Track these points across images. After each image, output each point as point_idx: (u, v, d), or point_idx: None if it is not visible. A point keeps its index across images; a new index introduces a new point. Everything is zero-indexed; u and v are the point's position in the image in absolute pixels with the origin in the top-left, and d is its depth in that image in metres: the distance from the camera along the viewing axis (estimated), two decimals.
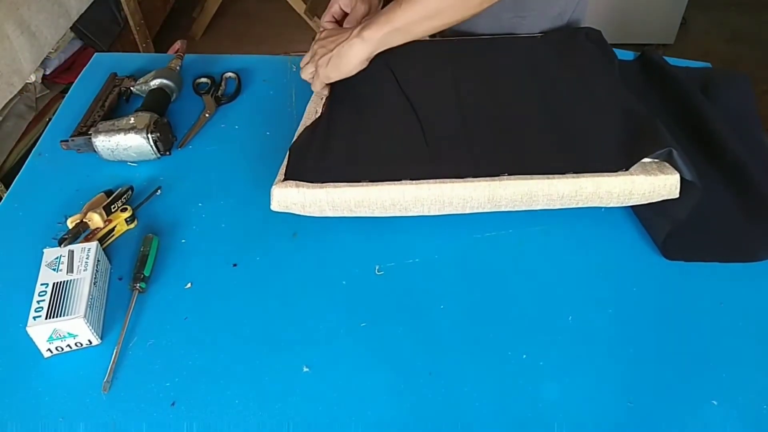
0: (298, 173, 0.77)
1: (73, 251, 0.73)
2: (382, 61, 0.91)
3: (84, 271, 0.71)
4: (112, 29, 2.14)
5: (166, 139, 0.90)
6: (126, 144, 0.87)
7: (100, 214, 0.78)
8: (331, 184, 0.75)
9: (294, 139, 0.82)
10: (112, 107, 0.98)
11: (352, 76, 0.87)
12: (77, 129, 0.92)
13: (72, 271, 0.71)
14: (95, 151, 0.88)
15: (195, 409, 0.64)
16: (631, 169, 0.74)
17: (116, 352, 0.68)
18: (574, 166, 0.74)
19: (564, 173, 0.74)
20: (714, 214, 0.79)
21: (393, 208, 0.75)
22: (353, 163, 0.78)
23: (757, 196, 0.80)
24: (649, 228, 0.79)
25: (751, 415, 0.63)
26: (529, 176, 0.74)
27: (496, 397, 0.65)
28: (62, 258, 0.72)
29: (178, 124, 0.96)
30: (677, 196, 0.74)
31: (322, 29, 0.91)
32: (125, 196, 0.83)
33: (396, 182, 0.74)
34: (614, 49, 0.97)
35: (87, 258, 0.72)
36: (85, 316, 0.67)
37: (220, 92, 1.02)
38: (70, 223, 0.78)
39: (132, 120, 0.88)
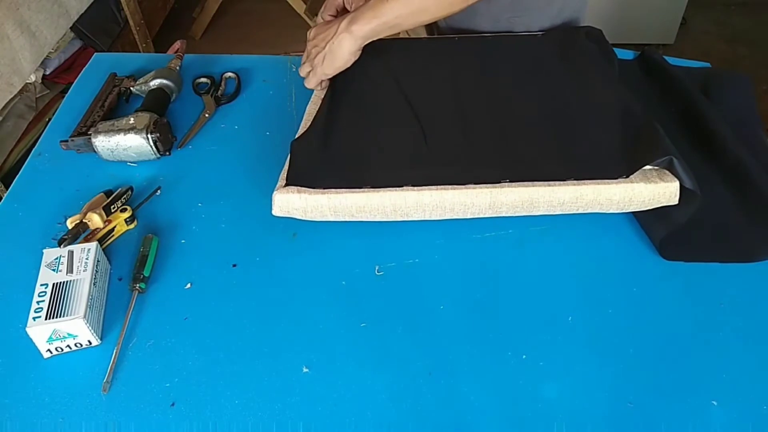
0: (299, 178, 0.76)
1: (72, 252, 0.73)
2: (381, 62, 0.91)
3: (84, 271, 0.71)
4: (112, 29, 2.14)
5: (166, 140, 0.90)
6: (126, 144, 0.87)
7: (100, 215, 0.78)
8: (333, 189, 0.75)
9: (294, 143, 0.82)
10: (111, 107, 0.98)
11: (352, 76, 0.88)
12: (77, 129, 0.92)
13: (72, 272, 0.71)
14: (95, 151, 0.88)
15: (195, 409, 0.64)
16: (631, 177, 0.74)
17: (116, 352, 0.68)
18: (575, 173, 0.74)
19: (564, 180, 0.74)
20: (714, 215, 0.79)
21: (394, 213, 0.76)
22: (355, 168, 0.78)
23: (758, 197, 0.80)
24: (647, 230, 0.79)
25: (751, 416, 0.63)
26: (530, 183, 0.74)
27: (496, 397, 0.65)
28: (62, 258, 0.72)
29: (177, 124, 0.96)
30: (676, 203, 0.74)
31: (310, 30, 0.92)
32: (125, 196, 0.83)
33: (397, 188, 0.74)
34: (614, 49, 0.97)
35: (87, 258, 0.72)
36: (84, 317, 0.66)
37: (219, 92, 1.02)
38: (70, 224, 0.78)
39: (132, 120, 0.88)
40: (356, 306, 0.73)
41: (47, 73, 1.86)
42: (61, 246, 0.74)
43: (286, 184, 0.76)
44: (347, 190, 0.75)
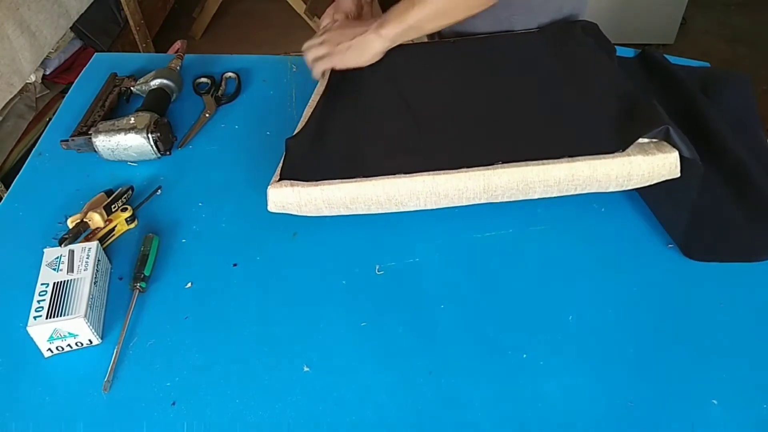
0: (293, 173, 0.77)
1: (73, 251, 0.73)
2: (378, 64, 0.93)
3: (84, 270, 0.71)
4: (112, 29, 2.14)
5: (167, 139, 0.90)
6: (126, 144, 0.87)
7: (101, 214, 0.78)
8: (326, 181, 0.75)
9: (290, 140, 0.82)
10: (112, 107, 0.98)
11: (348, 77, 0.90)
12: (77, 129, 0.92)
13: (72, 271, 0.71)
14: (95, 150, 0.88)
15: (195, 408, 0.64)
16: (627, 150, 0.72)
17: (116, 351, 0.68)
18: (569, 150, 0.73)
19: (558, 157, 0.73)
20: (714, 214, 0.79)
21: (389, 203, 0.75)
22: (347, 159, 0.78)
23: (758, 196, 0.80)
24: (666, 227, 0.78)
25: (751, 414, 0.63)
26: (523, 163, 0.73)
27: (497, 395, 0.65)
28: (62, 258, 0.72)
29: (178, 124, 0.96)
30: (678, 175, 0.73)
31: (335, 21, 0.96)
32: (125, 195, 0.83)
33: (390, 176, 0.74)
34: (615, 47, 0.97)
35: (87, 258, 0.72)
36: (85, 316, 0.67)
37: (220, 92, 1.02)
38: (71, 223, 0.78)
39: (132, 120, 0.88)
40: (356, 305, 0.73)
41: (47, 73, 1.86)
42: (62, 245, 0.74)
43: (280, 179, 0.76)
44: (340, 181, 0.75)
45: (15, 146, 1.75)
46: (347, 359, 0.68)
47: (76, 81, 1.07)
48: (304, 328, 0.71)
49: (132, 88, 1.00)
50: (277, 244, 0.79)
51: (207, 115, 0.98)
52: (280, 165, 0.79)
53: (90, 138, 0.88)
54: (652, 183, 0.74)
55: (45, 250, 0.73)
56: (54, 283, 0.70)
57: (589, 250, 0.78)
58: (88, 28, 1.97)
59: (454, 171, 0.74)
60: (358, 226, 0.80)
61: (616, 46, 0.98)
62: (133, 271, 0.75)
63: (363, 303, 0.73)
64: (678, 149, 0.72)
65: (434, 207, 0.77)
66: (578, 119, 0.79)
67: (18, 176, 0.91)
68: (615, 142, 0.73)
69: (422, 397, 0.65)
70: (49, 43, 1.77)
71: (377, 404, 0.65)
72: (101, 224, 0.78)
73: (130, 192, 0.84)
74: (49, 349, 0.68)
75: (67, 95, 1.05)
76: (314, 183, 0.75)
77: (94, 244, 0.74)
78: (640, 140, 0.73)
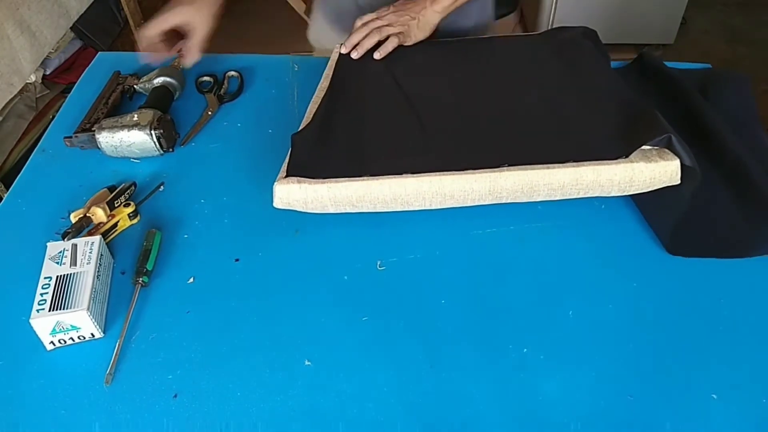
0: (300, 169, 0.77)
1: (76, 245, 0.73)
2: (381, 62, 0.93)
3: (87, 264, 0.71)
4: (112, 29, 2.15)
5: (169, 136, 0.91)
6: (129, 140, 0.88)
7: (104, 209, 0.78)
8: (333, 179, 0.75)
9: (295, 135, 0.83)
10: (115, 105, 0.98)
11: (351, 75, 0.91)
12: (81, 126, 0.92)
13: (75, 265, 0.71)
14: (99, 147, 0.89)
15: (197, 401, 0.65)
16: (630, 156, 0.74)
17: (119, 345, 0.69)
18: (574, 155, 0.74)
19: (564, 162, 0.74)
20: (714, 214, 0.80)
21: (394, 202, 0.76)
22: (354, 158, 0.78)
23: (757, 196, 0.80)
24: (652, 224, 0.79)
25: (750, 409, 0.63)
26: (529, 166, 0.74)
27: (497, 390, 0.65)
28: (65, 251, 0.72)
29: (181, 122, 0.96)
30: (678, 182, 0.74)
31: (389, 6, 0.99)
32: (128, 191, 0.83)
33: (397, 176, 0.75)
34: (611, 57, 0.97)
35: (90, 252, 0.72)
36: (88, 309, 0.67)
37: (222, 90, 1.03)
38: (74, 218, 0.78)
39: (135, 117, 0.88)
40: (358, 300, 0.73)
41: (47, 73, 1.87)
42: (65, 239, 0.74)
43: (287, 175, 0.76)
44: (347, 179, 0.75)
45: (15, 146, 1.75)
46: (348, 353, 0.68)
47: (79, 79, 1.07)
48: (305, 323, 0.71)
49: (135, 86, 1.00)
50: (279, 240, 0.80)
51: (209, 113, 0.99)
52: (287, 161, 0.79)
53: (93, 134, 0.88)
54: (653, 189, 0.76)
55: (48, 243, 0.74)
56: (57, 276, 0.70)
57: (589, 247, 0.78)
58: (88, 28, 1.98)
59: (460, 172, 0.74)
60: (359, 222, 0.80)
61: (615, 48, 0.98)
62: (135, 266, 0.75)
63: (364, 298, 0.73)
64: (679, 157, 0.73)
65: (439, 207, 0.78)
66: (583, 124, 0.80)
67: (21, 172, 0.91)
68: (619, 149, 0.74)
69: (423, 392, 0.65)
70: (49, 43, 1.78)
71: (378, 398, 0.65)
72: (104, 219, 0.79)
73: (132, 188, 0.84)
74: (52, 342, 0.68)
75: (70, 93, 1.05)
76: (321, 180, 0.75)
77: (97, 238, 0.74)
78: (643, 147, 0.74)
